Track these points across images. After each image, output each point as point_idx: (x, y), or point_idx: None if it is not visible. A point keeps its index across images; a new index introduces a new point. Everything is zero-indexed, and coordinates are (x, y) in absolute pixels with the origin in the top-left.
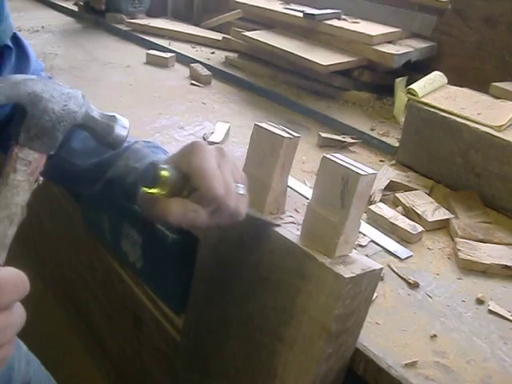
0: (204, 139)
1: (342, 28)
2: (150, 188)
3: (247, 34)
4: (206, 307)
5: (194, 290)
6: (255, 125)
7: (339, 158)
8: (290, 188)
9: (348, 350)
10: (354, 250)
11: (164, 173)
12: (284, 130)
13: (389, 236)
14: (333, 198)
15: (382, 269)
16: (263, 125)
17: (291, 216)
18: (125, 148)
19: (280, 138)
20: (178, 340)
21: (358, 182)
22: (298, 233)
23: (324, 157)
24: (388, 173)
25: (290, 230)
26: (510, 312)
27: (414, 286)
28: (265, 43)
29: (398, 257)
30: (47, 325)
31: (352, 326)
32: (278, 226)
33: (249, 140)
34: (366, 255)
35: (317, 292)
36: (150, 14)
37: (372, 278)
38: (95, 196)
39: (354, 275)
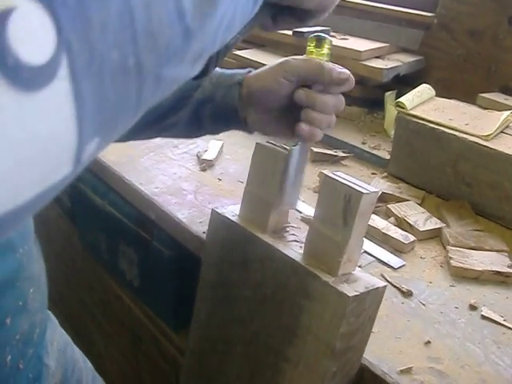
0: (198, 157)
1: None
2: (319, 48)
3: (238, 52)
4: (210, 326)
5: (197, 308)
6: (256, 144)
7: (341, 176)
8: None
9: (353, 368)
10: (357, 268)
11: (328, 36)
12: (285, 148)
13: (381, 246)
14: (335, 216)
15: (385, 286)
16: (265, 143)
17: (294, 234)
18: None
19: (281, 153)
20: (176, 357)
21: (360, 201)
22: (301, 251)
23: (325, 175)
24: (380, 185)
25: (293, 248)
26: (502, 317)
27: (407, 294)
28: (256, 62)
29: (391, 266)
30: None
31: (357, 343)
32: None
33: (241, 157)
34: (360, 266)
35: (321, 311)
36: None
37: (376, 296)
38: (180, 127)
39: (357, 293)
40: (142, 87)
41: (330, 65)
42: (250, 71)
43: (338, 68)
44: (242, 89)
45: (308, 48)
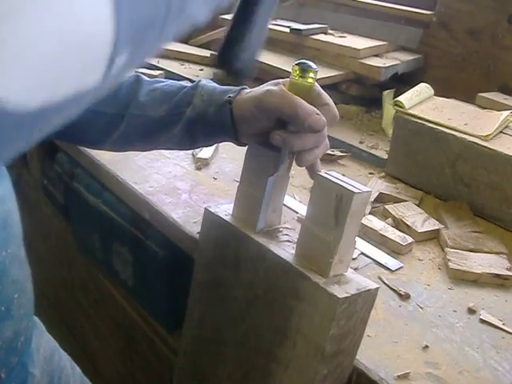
0: (193, 156)
1: (328, 42)
2: (303, 77)
3: None
4: (202, 327)
5: (190, 309)
6: (249, 143)
7: (333, 175)
8: None
9: (344, 371)
10: (349, 269)
11: (313, 64)
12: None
13: (379, 248)
14: (327, 216)
15: (378, 288)
16: (256, 145)
17: (287, 234)
18: (192, 87)
19: (272, 154)
20: (170, 358)
21: (351, 200)
22: (293, 251)
23: (318, 174)
24: (377, 185)
25: (285, 248)
26: (501, 321)
27: (404, 297)
28: None
29: (389, 268)
30: None
31: (348, 346)
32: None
33: (238, 156)
34: (357, 268)
35: (311, 312)
36: None
37: (368, 298)
38: (174, 142)
39: (348, 295)
40: (168, 11)
41: (306, 109)
42: (243, 88)
43: (315, 115)
44: (233, 107)
45: (291, 76)
